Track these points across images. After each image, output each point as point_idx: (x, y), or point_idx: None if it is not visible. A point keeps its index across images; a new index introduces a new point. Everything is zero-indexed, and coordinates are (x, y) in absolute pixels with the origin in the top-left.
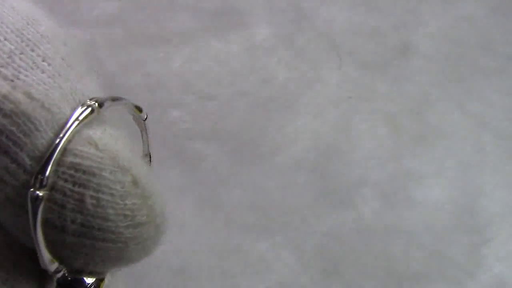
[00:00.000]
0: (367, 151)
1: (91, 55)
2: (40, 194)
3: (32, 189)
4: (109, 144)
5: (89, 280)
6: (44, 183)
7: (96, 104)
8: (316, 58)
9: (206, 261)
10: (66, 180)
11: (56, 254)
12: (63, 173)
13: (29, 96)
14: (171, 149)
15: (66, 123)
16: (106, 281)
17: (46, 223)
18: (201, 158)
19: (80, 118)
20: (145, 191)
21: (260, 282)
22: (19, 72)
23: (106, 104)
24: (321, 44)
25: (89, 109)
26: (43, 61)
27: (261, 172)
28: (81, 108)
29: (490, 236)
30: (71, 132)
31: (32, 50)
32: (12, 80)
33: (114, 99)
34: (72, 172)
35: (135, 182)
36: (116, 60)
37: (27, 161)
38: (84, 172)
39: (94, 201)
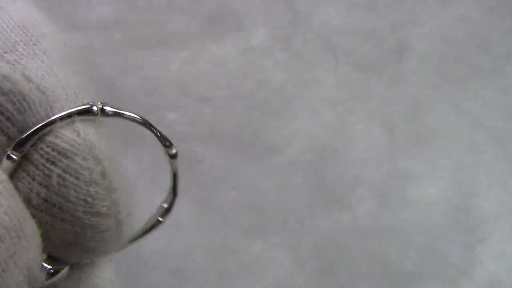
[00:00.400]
0: (363, 152)
1: (89, 59)
2: (13, 156)
3: (8, 150)
4: (90, 136)
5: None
6: (21, 149)
7: (99, 107)
8: (312, 59)
9: (202, 261)
10: (42, 156)
11: None
12: (41, 149)
13: (27, 78)
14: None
15: (61, 110)
16: (63, 272)
17: (16, 190)
18: (198, 160)
19: (76, 111)
20: (112, 184)
21: (256, 282)
22: (21, 58)
23: (109, 112)
24: (317, 46)
25: (92, 108)
26: (43, 53)
27: (257, 174)
28: (84, 106)
29: (485, 236)
30: (59, 116)
31: (35, 44)
32: (13, 64)
33: (121, 114)
34: (49, 150)
35: (103, 174)
36: (114, 63)
37: (16, 135)
38: (59, 152)
39: (60, 180)
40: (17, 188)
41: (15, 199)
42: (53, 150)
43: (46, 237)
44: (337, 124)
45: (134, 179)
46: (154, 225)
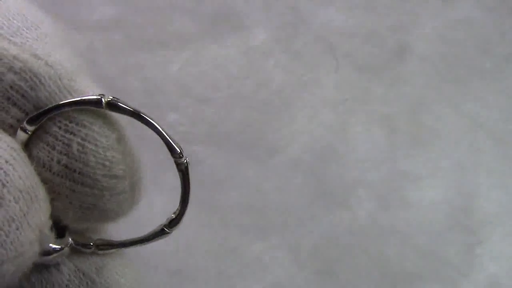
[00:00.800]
0: (363, 153)
1: (90, 59)
2: (28, 127)
3: (22, 124)
4: (102, 109)
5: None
6: (35, 123)
7: (108, 99)
8: (312, 60)
9: (203, 262)
10: (60, 128)
11: None
12: (59, 121)
13: (35, 56)
14: (168, 152)
15: (70, 81)
16: (66, 249)
17: (37, 161)
18: (199, 160)
19: (85, 99)
20: (126, 149)
21: (256, 282)
22: (26, 40)
23: (120, 107)
24: (318, 47)
25: (102, 99)
26: (45, 36)
27: (257, 174)
28: (97, 95)
29: (485, 237)
30: (68, 102)
31: (36, 29)
32: (20, 46)
33: (137, 113)
34: (67, 122)
35: (118, 140)
36: (115, 64)
37: (32, 110)
38: (77, 123)
39: (79, 147)
40: (38, 158)
41: (28, 166)
42: (71, 122)
43: (67, 203)
44: (337, 125)
45: None
46: (157, 235)
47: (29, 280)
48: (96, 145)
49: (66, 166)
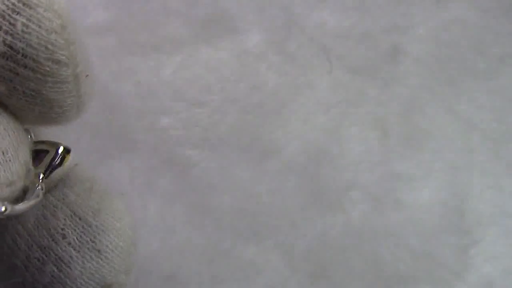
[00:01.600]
0: (357, 155)
1: None
2: None
3: None
4: None
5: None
6: None
7: None
8: (306, 63)
9: (196, 266)
10: (8, 7)
11: None
12: (8, 0)
13: None
14: (161, 156)
15: None
16: (69, 157)
17: None
18: (192, 164)
19: None
20: (70, 37)
21: (249, 286)
22: None
23: None
24: (312, 49)
25: None
26: None
27: (251, 177)
28: None
29: (479, 237)
30: None
31: None
32: None
33: None
34: (14, 1)
35: (62, 26)
36: (108, 68)
37: None
38: (24, 4)
39: (24, 28)
40: None
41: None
42: (18, 1)
43: (11, 87)
44: (331, 127)
45: (127, 184)
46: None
47: (25, 226)
48: (39, 26)
49: (10, 47)
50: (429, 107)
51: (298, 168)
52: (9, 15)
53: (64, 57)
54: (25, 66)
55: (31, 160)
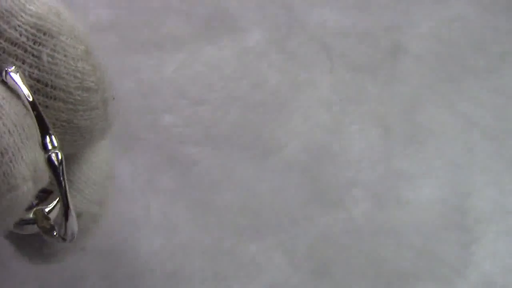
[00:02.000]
0: (358, 153)
1: None
2: None
3: None
4: (69, 18)
5: None
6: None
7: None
8: (307, 61)
9: (198, 264)
10: (28, 38)
11: None
12: (26, 31)
13: None
14: (164, 154)
15: None
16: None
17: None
18: (194, 162)
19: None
20: (95, 62)
21: (251, 283)
22: None
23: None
24: (313, 47)
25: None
26: None
27: (253, 175)
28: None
29: (480, 235)
30: None
31: None
32: None
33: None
34: (34, 31)
35: (87, 52)
36: (110, 66)
37: None
38: (44, 33)
39: (49, 59)
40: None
41: (18, 104)
42: (38, 31)
43: None
44: (332, 125)
45: (130, 182)
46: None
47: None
48: (65, 55)
49: (38, 80)
50: (430, 105)
51: (300, 166)
52: (31, 47)
53: (93, 84)
54: (55, 98)
55: (43, 162)
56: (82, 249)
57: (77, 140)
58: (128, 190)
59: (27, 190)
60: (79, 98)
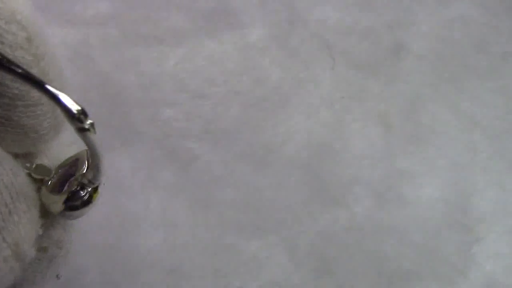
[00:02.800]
0: (360, 151)
1: (85, 55)
2: None
3: None
4: (12, 1)
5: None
6: None
7: None
8: (309, 58)
9: (199, 260)
10: None
11: None
12: None
13: None
14: (164, 148)
15: None
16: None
17: None
18: (194, 157)
19: None
20: (38, 51)
21: (252, 281)
22: None
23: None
24: (314, 44)
25: None
26: None
27: (254, 171)
28: None
29: (481, 235)
30: None
31: None
32: None
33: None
34: None
35: (29, 40)
36: (110, 59)
37: None
38: None
39: None
40: None
41: (8, 174)
42: None
43: None
44: (333, 123)
45: (129, 177)
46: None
47: None
48: (2, 42)
49: None
50: (431, 104)
51: (301, 162)
52: None
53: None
54: None
55: (32, 234)
56: (57, 276)
57: (22, 140)
58: (127, 185)
59: (10, 269)
60: (16, 92)
